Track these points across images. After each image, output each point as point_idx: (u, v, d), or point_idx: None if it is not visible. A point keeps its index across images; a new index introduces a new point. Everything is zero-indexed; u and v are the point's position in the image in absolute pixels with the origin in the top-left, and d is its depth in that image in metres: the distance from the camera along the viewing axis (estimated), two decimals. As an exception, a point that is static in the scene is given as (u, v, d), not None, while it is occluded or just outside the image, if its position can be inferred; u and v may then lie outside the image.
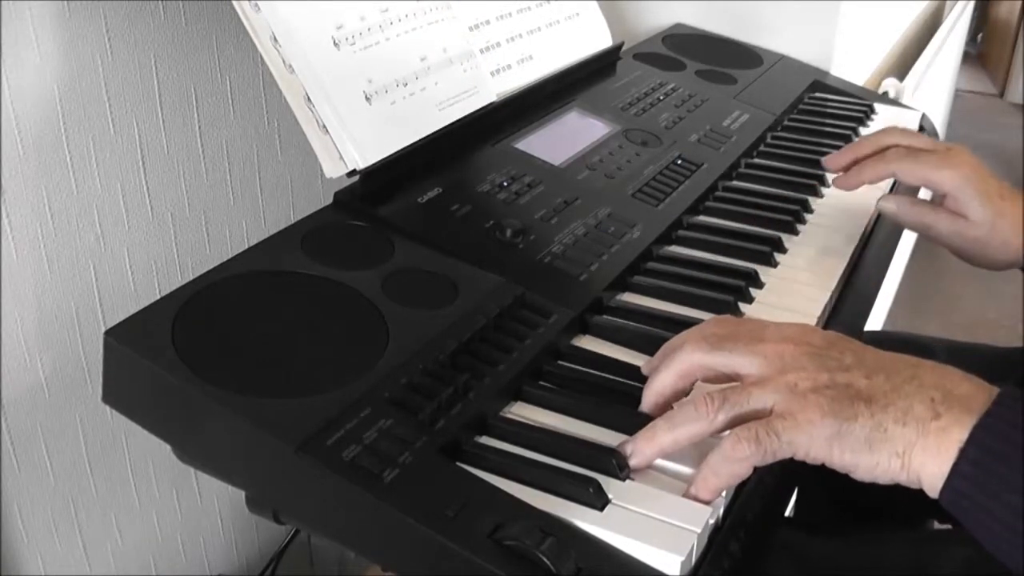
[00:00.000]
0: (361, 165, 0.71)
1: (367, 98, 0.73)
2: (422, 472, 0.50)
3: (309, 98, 0.70)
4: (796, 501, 1.01)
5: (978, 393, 0.50)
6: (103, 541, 0.98)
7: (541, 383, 0.60)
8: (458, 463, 0.52)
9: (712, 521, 0.51)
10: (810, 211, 0.87)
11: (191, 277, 0.60)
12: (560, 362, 0.63)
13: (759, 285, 0.74)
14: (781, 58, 1.22)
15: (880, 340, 0.57)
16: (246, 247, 0.65)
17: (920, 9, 2.04)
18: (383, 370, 0.56)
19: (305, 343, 0.57)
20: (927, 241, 0.81)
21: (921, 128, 1.11)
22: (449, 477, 0.50)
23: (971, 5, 2.67)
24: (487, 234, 0.71)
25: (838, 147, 1.00)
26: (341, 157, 0.71)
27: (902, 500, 0.59)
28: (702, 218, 0.84)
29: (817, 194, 0.90)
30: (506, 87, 0.88)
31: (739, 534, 0.52)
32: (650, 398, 0.56)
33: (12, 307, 0.82)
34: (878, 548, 0.74)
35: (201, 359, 0.54)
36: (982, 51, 4.65)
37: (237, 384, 0.52)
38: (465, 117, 0.81)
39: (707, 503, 0.51)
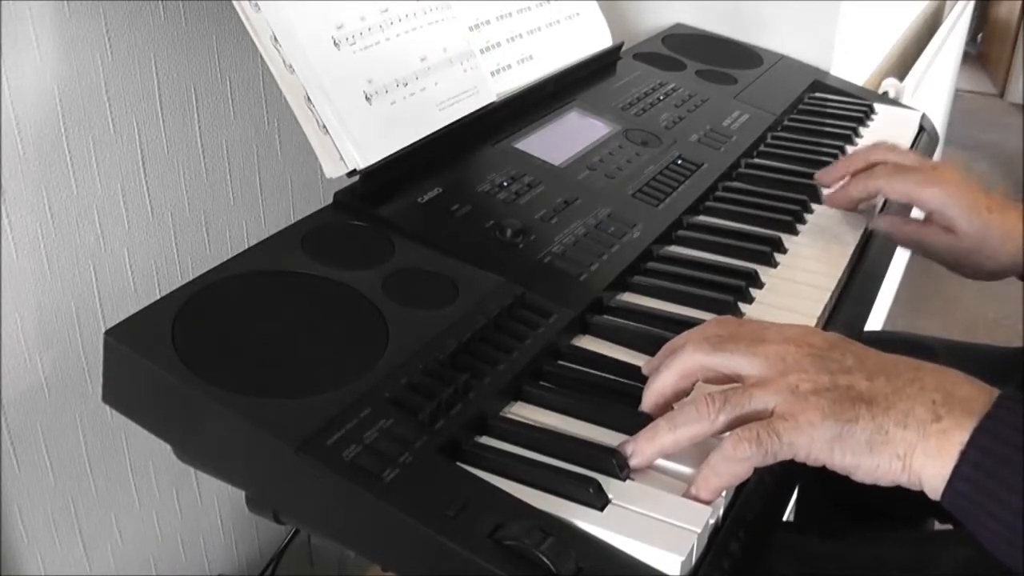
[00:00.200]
0: (361, 165, 0.71)
1: (367, 98, 0.73)
2: (422, 472, 0.50)
3: (309, 98, 0.70)
4: (796, 501, 1.01)
5: (979, 395, 0.50)
6: (103, 541, 0.98)
7: (541, 383, 0.60)
8: (458, 463, 0.52)
9: (712, 521, 0.51)
10: (810, 211, 0.87)
11: (191, 277, 0.60)
12: (560, 362, 0.63)
13: (759, 285, 0.74)
14: (781, 58, 1.22)
15: (880, 340, 0.57)
16: (246, 247, 0.65)
17: (920, 9, 2.04)
18: (383, 370, 0.56)
19: (305, 343, 0.57)
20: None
21: (921, 128, 1.11)
22: (449, 477, 0.50)
23: (971, 5, 2.67)
24: (487, 234, 0.71)
25: (838, 147, 1.00)
26: (341, 157, 0.71)
27: (902, 500, 0.59)
28: (702, 218, 0.84)
29: (817, 194, 0.90)
30: (506, 87, 0.88)
31: (739, 534, 0.52)
32: (651, 398, 0.56)
33: (12, 307, 0.82)
34: (878, 548, 0.74)
35: (201, 359, 0.54)
36: (982, 51, 4.65)
37: (237, 384, 0.52)
38: (465, 117, 0.81)
39: (707, 503, 0.51)
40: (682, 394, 0.56)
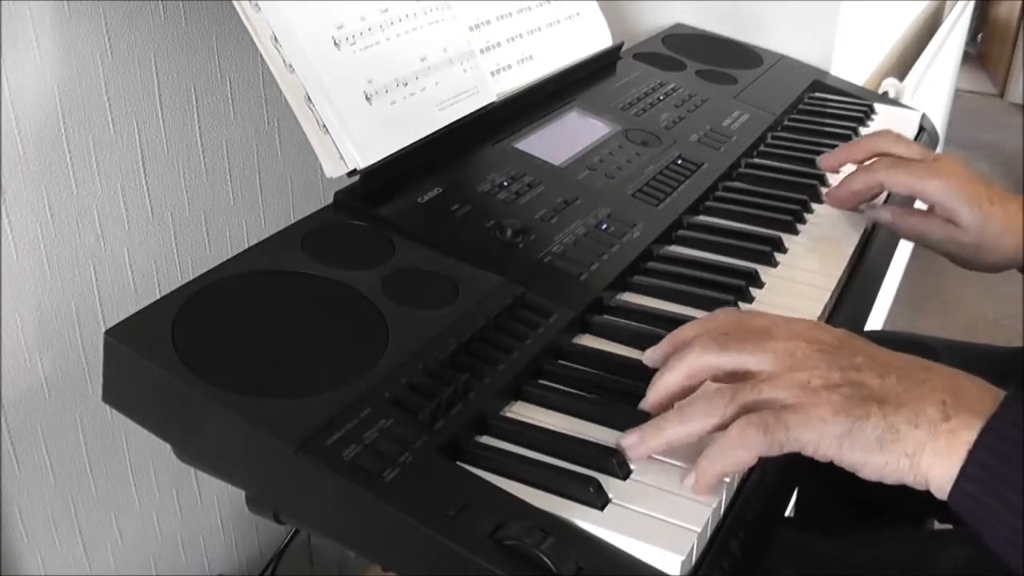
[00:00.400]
0: (361, 165, 0.71)
1: (367, 98, 0.73)
2: (422, 472, 0.50)
3: (309, 98, 0.70)
4: (796, 500, 1.01)
5: (986, 396, 0.50)
6: (103, 541, 0.98)
7: (541, 382, 0.60)
8: (458, 463, 0.52)
9: (713, 520, 0.51)
10: (810, 211, 0.87)
11: (191, 277, 0.60)
12: (560, 362, 0.63)
13: (759, 285, 0.74)
14: (781, 58, 1.22)
15: (880, 340, 0.57)
16: (246, 247, 0.65)
17: (920, 9, 2.04)
18: (383, 370, 0.56)
19: (305, 343, 0.57)
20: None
21: (921, 128, 1.11)
22: (449, 477, 0.50)
23: (971, 5, 2.67)
24: (487, 234, 0.71)
25: (838, 147, 1.00)
26: (341, 157, 0.71)
27: (902, 499, 0.59)
28: (702, 218, 0.84)
29: (817, 194, 0.90)
30: (506, 87, 0.88)
31: (739, 533, 0.52)
32: (656, 396, 0.56)
33: (12, 307, 0.82)
34: (878, 547, 0.74)
35: (201, 359, 0.54)
36: (982, 51, 4.65)
37: (237, 384, 0.52)
38: (465, 117, 0.81)
39: (707, 488, 0.51)
40: (688, 392, 0.56)
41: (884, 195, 0.88)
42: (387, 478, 0.49)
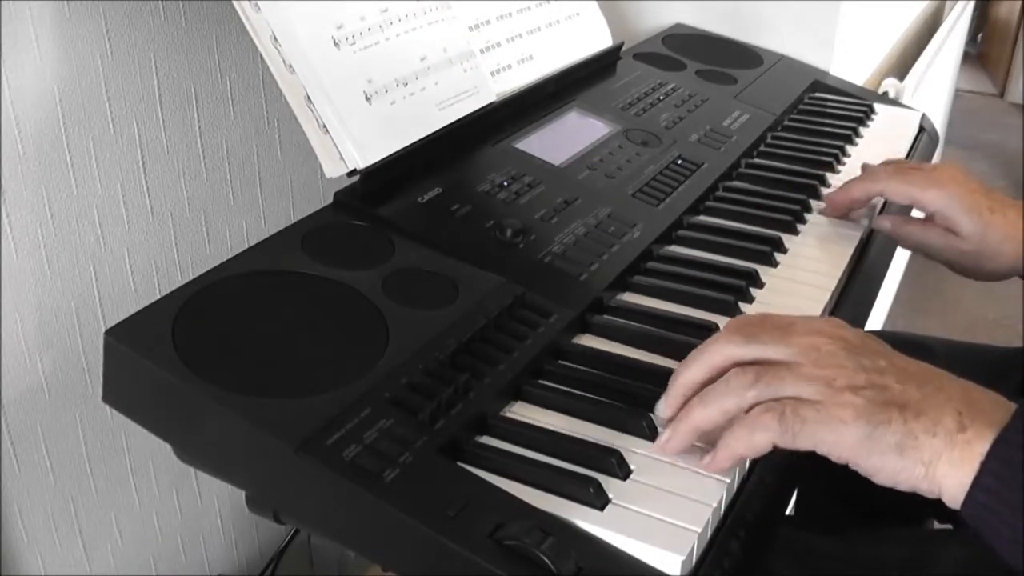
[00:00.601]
0: (361, 165, 0.71)
1: (367, 98, 0.73)
2: (422, 472, 0.50)
3: (309, 98, 0.70)
4: (796, 500, 1.01)
5: (998, 407, 0.50)
6: (103, 541, 0.98)
7: (541, 382, 0.60)
8: (458, 463, 0.52)
9: (713, 520, 0.51)
10: (810, 211, 0.87)
11: (191, 277, 0.60)
12: (560, 362, 0.63)
13: (759, 285, 0.74)
14: (781, 58, 1.22)
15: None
16: (246, 247, 0.65)
17: (920, 9, 2.04)
18: (383, 370, 0.56)
19: (305, 343, 0.57)
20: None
21: (921, 128, 1.11)
22: (449, 477, 0.50)
23: (971, 5, 2.67)
24: (487, 234, 0.71)
25: (838, 147, 1.00)
26: (341, 157, 0.71)
27: (902, 500, 0.59)
28: (702, 218, 0.84)
29: (817, 194, 0.90)
30: (506, 87, 0.88)
31: (739, 533, 0.52)
32: (678, 389, 0.56)
33: (12, 307, 0.82)
34: (878, 547, 0.74)
35: (201, 359, 0.54)
36: (982, 51, 4.65)
37: (237, 384, 0.52)
38: (465, 117, 0.81)
39: (721, 470, 0.52)
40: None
41: (880, 205, 0.88)
42: (387, 478, 0.49)
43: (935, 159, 1.09)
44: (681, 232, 0.81)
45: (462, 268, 0.66)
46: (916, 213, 0.83)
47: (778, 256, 0.78)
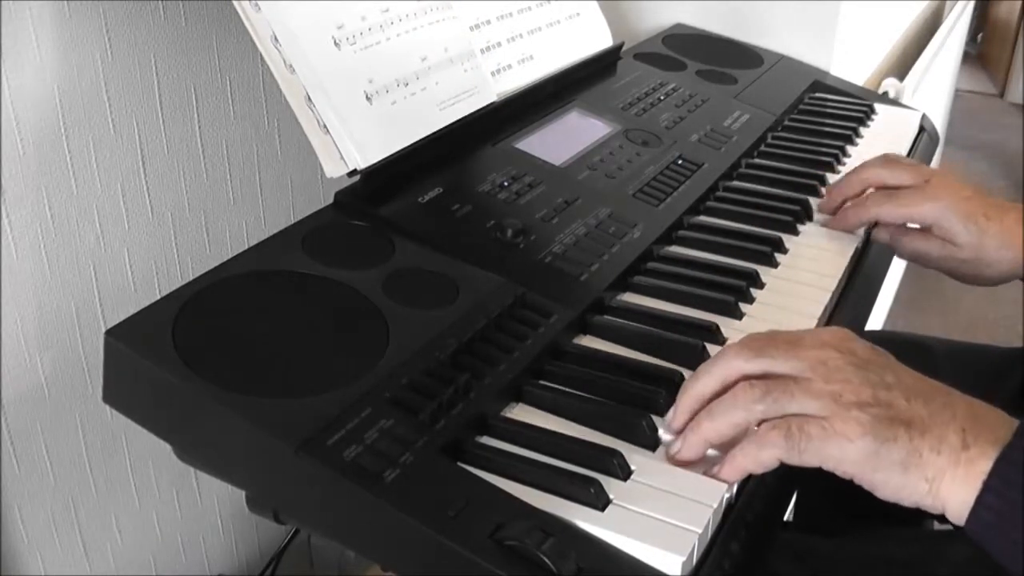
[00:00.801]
0: (362, 165, 0.71)
1: (368, 98, 0.73)
2: (423, 472, 0.50)
3: (310, 98, 0.70)
4: (796, 501, 1.01)
5: (1002, 424, 0.51)
6: (103, 541, 0.98)
7: (542, 383, 0.60)
8: (459, 463, 0.52)
9: (713, 521, 0.51)
10: (810, 211, 0.87)
11: (191, 277, 0.60)
12: (561, 362, 0.63)
13: (760, 285, 0.74)
14: (781, 58, 1.22)
15: (880, 340, 0.57)
16: (246, 247, 0.65)
17: (920, 9, 2.03)
18: (384, 370, 0.56)
19: (305, 343, 0.57)
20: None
21: (921, 128, 1.11)
22: (450, 477, 0.50)
23: (971, 5, 2.67)
24: (488, 234, 0.71)
25: (838, 147, 1.00)
26: (342, 157, 0.71)
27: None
28: (703, 218, 0.84)
29: (817, 194, 0.90)
30: (507, 87, 0.88)
31: (740, 534, 0.52)
32: (687, 402, 0.56)
33: (12, 307, 0.82)
34: (878, 547, 0.74)
35: (201, 359, 0.54)
36: (982, 51, 4.65)
37: (237, 384, 0.52)
38: (466, 117, 0.81)
39: (728, 482, 0.52)
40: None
41: None
42: (387, 478, 0.49)
43: (935, 159, 1.09)
44: (681, 232, 0.81)
45: (462, 268, 0.66)
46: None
47: (778, 256, 0.78)
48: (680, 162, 0.89)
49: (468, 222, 0.72)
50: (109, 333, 0.55)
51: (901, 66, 1.78)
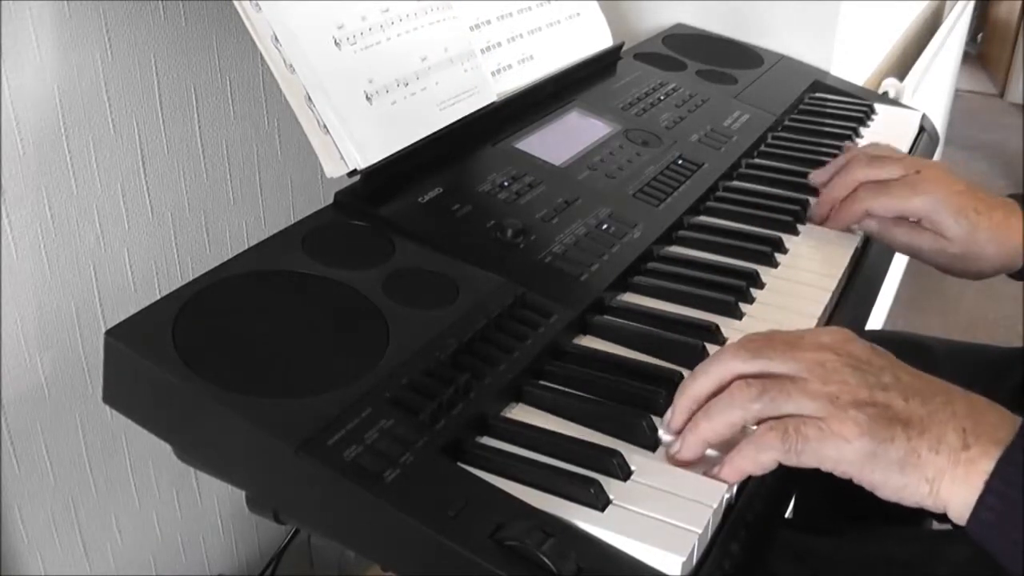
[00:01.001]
0: (362, 165, 0.71)
1: (368, 98, 0.73)
2: (423, 472, 0.50)
3: (310, 98, 0.70)
4: (797, 500, 1.01)
5: (1004, 423, 0.51)
6: (103, 541, 0.98)
7: (542, 383, 0.60)
8: (459, 463, 0.52)
9: (713, 521, 0.51)
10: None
11: (191, 277, 0.60)
12: (561, 362, 0.63)
13: (760, 285, 0.74)
14: (781, 58, 1.22)
15: (880, 340, 0.57)
16: (246, 247, 0.65)
17: (920, 9, 2.04)
18: (384, 370, 0.56)
19: (305, 343, 0.57)
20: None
21: (921, 128, 1.11)
22: (450, 477, 0.50)
23: (971, 5, 2.67)
24: (488, 234, 0.71)
25: (838, 147, 1.00)
26: (342, 157, 0.71)
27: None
28: (703, 218, 0.84)
29: (817, 194, 0.90)
30: (507, 87, 0.88)
31: (740, 534, 0.52)
32: (684, 402, 0.56)
33: (12, 307, 0.82)
34: (878, 547, 0.74)
35: (201, 359, 0.54)
36: (982, 51, 4.65)
37: (237, 384, 0.52)
38: (466, 117, 0.81)
39: (728, 483, 0.52)
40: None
41: None
42: (388, 478, 0.49)
43: (935, 159, 1.09)
44: (681, 232, 0.81)
45: (462, 268, 0.66)
46: None
47: (778, 256, 0.78)
48: (680, 162, 0.89)
49: (468, 222, 0.72)
50: (109, 333, 0.55)
51: (901, 66, 1.78)
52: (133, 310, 0.57)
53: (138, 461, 0.99)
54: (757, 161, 0.96)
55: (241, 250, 0.64)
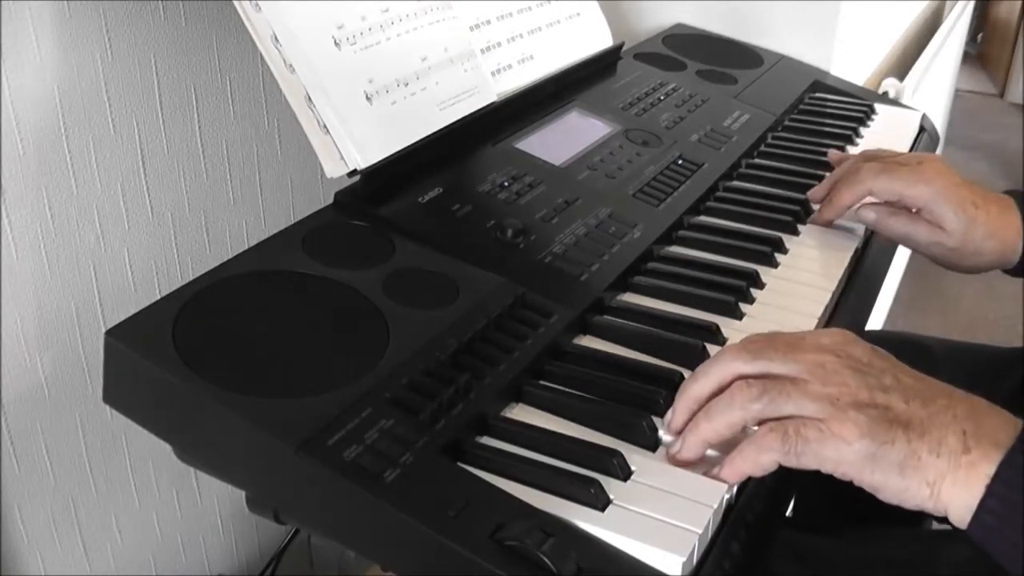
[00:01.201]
0: (362, 165, 0.71)
1: (368, 98, 0.73)
2: (423, 472, 0.50)
3: (310, 98, 0.70)
4: (796, 501, 1.01)
5: (1005, 426, 0.50)
6: (103, 541, 0.98)
7: (542, 383, 0.60)
8: (459, 463, 0.52)
9: (713, 521, 0.51)
10: (811, 211, 0.87)
11: (191, 277, 0.60)
12: (561, 362, 0.63)
13: (760, 285, 0.74)
14: (781, 58, 1.22)
15: (880, 340, 0.57)
16: (246, 247, 0.65)
17: (920, 9, 2.04)
18: (384, 370, 0.56)
19: (305, 343, 0.57)
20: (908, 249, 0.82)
21: (921, 128, 1.11)
22: (450, 477, 0.50)
23: (971, 5, 2.67)
24: (488, 234, 0.71)
25: (839, 147, 1.00)
26: (342, 157, 0.71)
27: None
28: (703, 218, 0.84)
29: (817, 194, 0.90)
30: (507, 87, 0.88)
31: (740, 534, 0.52)
32: (685, 403, 0.56)
33: (12, 307, 0.82)
34: (877, 547, 0.74)
35: (201, 359, 0.54)
36: (982, 51, 4.64)
37: (237, 384, 0.52)
38: (466, 117, 0.81)
39: (728, 483, 0.52)
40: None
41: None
42: (388, 478, 0.49)
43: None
44: (681, 232, 0.81)
45: (462, 268, 0.66)
46: None
47: (778, 256, 0.78)
48: (680, 162, 0.89)
49: (468, 222, 0.72)
50: (109, 333, 0.55)
51: (901, 66, 1.78)
52: (133, 310, 0.57)
53: (138, 461, 0.99)
54: (757, 161, 0.97)
55: (241, 250, 0.64)
